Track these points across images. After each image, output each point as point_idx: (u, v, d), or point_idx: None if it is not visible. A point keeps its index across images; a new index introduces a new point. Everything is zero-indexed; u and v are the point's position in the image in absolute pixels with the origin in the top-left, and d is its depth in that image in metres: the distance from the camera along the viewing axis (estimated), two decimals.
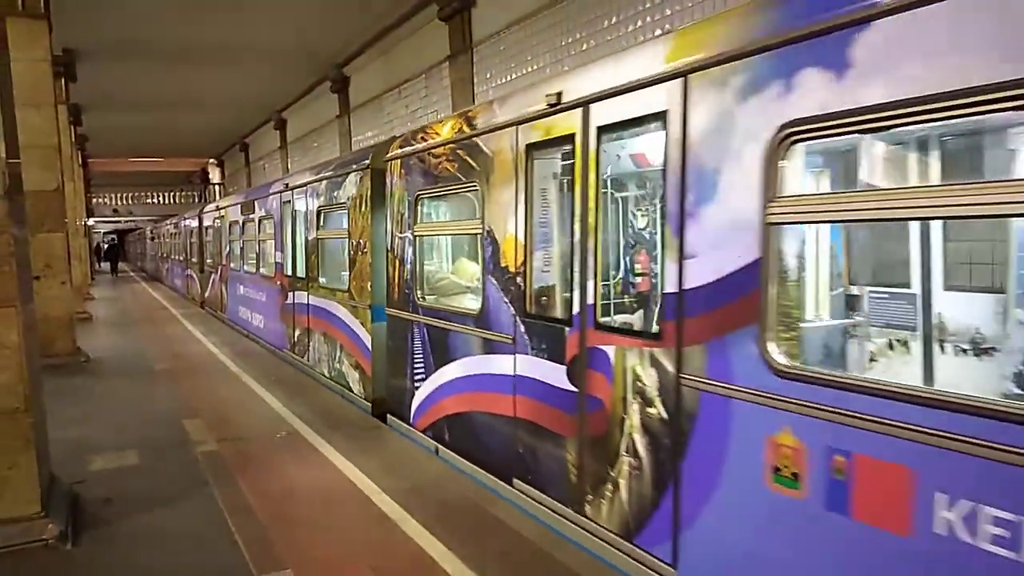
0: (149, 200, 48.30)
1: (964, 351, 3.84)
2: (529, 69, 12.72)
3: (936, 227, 3.98)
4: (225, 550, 4.46)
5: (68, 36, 16.71)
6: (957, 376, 3.80)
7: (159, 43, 18.66)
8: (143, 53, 19.60)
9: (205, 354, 12.34)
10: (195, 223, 22.40)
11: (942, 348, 3.93)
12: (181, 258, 26.42)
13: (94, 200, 44.31)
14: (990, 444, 2.45)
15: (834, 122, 2.97)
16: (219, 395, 9.02)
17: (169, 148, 40.49)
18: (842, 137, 3.16)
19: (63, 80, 18.89)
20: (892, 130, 2.92)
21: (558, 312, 4.95)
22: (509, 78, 13.31)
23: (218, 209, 18.36)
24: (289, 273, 11.50)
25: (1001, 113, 2.51)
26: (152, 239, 40.62)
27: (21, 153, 4.74)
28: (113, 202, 47.50)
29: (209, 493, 5.47)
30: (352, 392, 8.76)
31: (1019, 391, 3.39)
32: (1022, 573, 2.39)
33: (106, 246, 45.62)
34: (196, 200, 45.66)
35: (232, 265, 16.38)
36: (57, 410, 6.89)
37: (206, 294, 20.77)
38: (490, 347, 5.66)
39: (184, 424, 7.52)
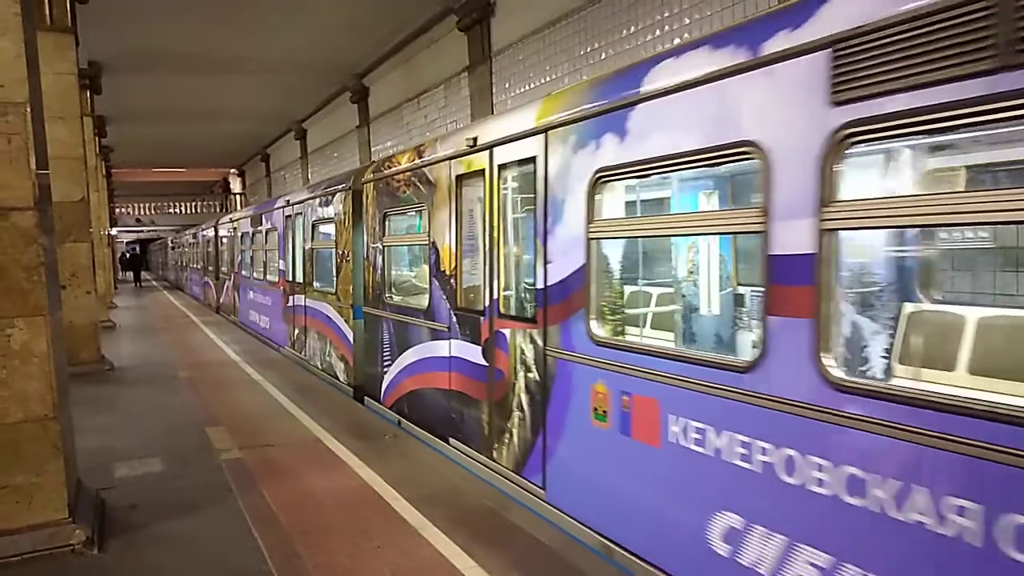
0: (171, 210, 48.83)
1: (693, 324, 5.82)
2: (548, 79, 12.77)
3: (682, 242, 5.77)
4: (248, 556, 4.50)
5: (93, 49, 17.02)
6: (697, 338, 5.77)
7: (181, 55, 18.95)
8: (166, 65, 19.91)
9: (227, 362, 12.45)
10: (211, 233, 23.93)
11: (685, 323, 5.83)
12: (199, 266, 28.10)
13: (117, 210, 44.90)
14: (695, 381, 3.84)
15: (621, 170, 4.45)
16: (241, 403, 9.10)
17: (191, 158, 41.06)
18: (626, 179, 4.63)
19: (88, 92, 19.21)
20: (650, 176, 4.53)
21: (477, 305, 6.28)
22: (528, 87, 13.37)
23: (231, 221, 20.06)
24: (290, 279, 12.93)
25: (702, 168, 4.12)
26: (172, 248, 42.53)
27: (49, 165, 4.83)
28: (136, 212, 48.07)
29: (232, 500, 5.52)
30: (339, 380, 10.21)
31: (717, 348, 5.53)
32: (714, 462, 3.70)
33: (128, 255, 45.98)
34: (217, 210, 46.12)
35: (243, 272, 17.93)
36: (83, 418, 6.98)
37: (221, 300, 22.25)
38: (434, 335, 7.13)
39: (207, 432, 7.59)
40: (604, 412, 4.57)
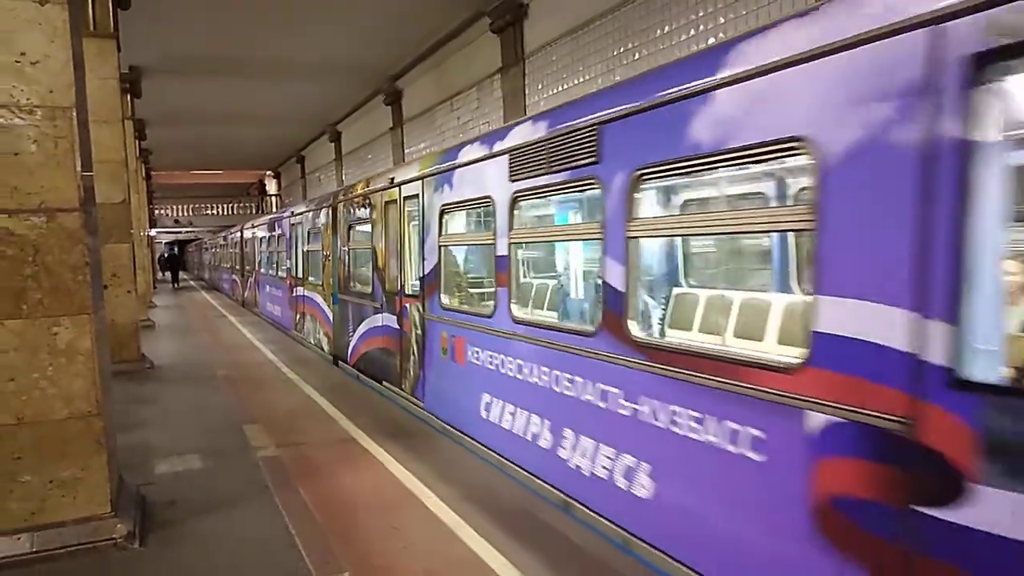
0: (208, 211, 49.62)
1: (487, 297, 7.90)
2: (581, 79, 12.76)
3: (488, 249, 7.17)
4: (286, 553, 4.56)
5: (134, 54, 17.36)
6: (485, 304, 7.61)
7: (219, 59, 19.26)
8: (204, 69, 20.26)
9: (264, 362, 12.62)
10: (238, 237, 26.77)
11: (485, 296, 8.11)
12: (228, 266, 31.23)
13: (156, 211, 45.73)
14: (474, 325, 6.65)
15: (452, 206, 7.28)
16: (278, 402, 9.22)
17: (228, 160, 41.71)
18: (456, 211, 7.44)
19: (129, 96, 19.60)
20: (461, 210, 7.35)
21: (394, 289, 9.11)
22: (562, 88, 13.37)
23: (253, 227, 23.00)
24: (294, 275, 15.88)
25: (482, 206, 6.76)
26: (206, 249, 44.90)
27: (93, 167, 4.95)
28: (174, 213, 48.92)
29: (269, 497, 5.60)
30: (323, 350, 13.13)
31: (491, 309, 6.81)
32: (497, 374, 6.23)
33: (167, 256, 46.73)
34: (254, 211, 46.76)
35: (262, 270, 20.95)
36: (124, 415, 7.13)
37: (245, 295, 25.07)
38: (375, 311, 9.96)
39: (244, 429, 7.71)
40: (445, 348, 7.46)
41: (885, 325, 2.90)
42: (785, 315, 5.32)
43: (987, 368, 2.68)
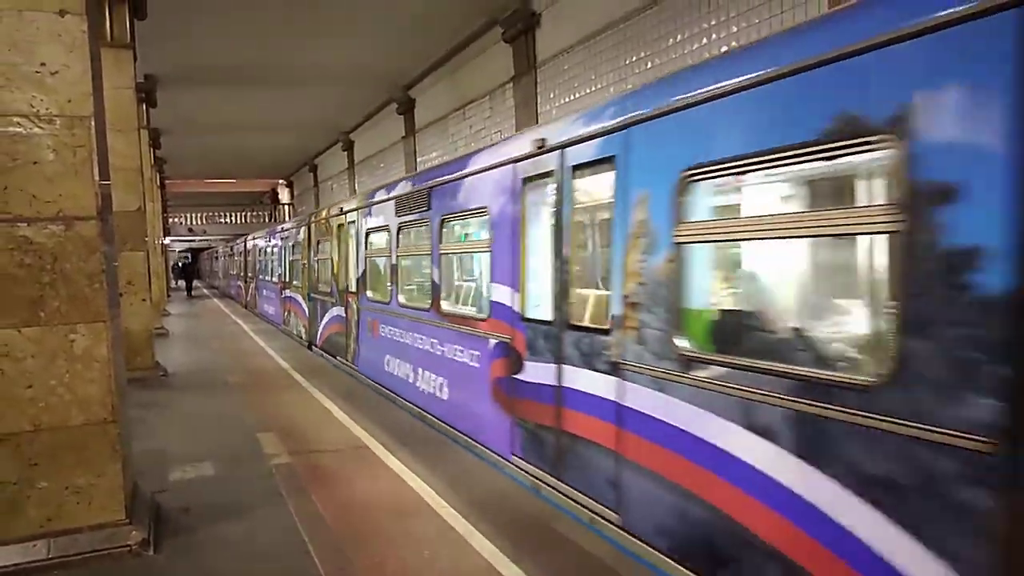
0: (222, 219, 49.89)
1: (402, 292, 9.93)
2: (593, 88, 12.78)
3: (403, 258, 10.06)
4: (299, 560, 4.57)
5: (150, 64, 17.53)
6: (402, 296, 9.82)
7: (234, 68, 19.41)
8: (218, 78, 20.42)
9: (275, 369, 12.67)
10: (242, 247, 30.45)
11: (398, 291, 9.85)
12: (234, 272, 35.09)
13: (170, 220, 46.05)
14: (382, 310, 10.26)
15: (371, 230, 10.78)
16: (290, 409, 9.25)
17: (241, 169, 42.00)
18: (372, 234, 10.85)
19: (144, 106, 19.77)
20: (375, 233, 10.75)
21: (343, 288, 12.46)
22: (573, 97, 13.40)
23: (254, 239, 26.65)
24: (283, 280, 19.52)
25: (387, 232, 10.17)
26: (217, 258, 48.26)
27: (110, 176, 4.99)
28: (188, 222, 49.22)
29: (283, 504, 5.61)
30: (302, 338, 16.54)
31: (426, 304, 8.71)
32: (391, 341, 9.80)
33: (181, 264, 46.95)
34: (266, 220, 46.99)
35: (260, 277, 24.57)
36: (138, 422, 7.17)
37: (247, 298, 28.73)
38: (333, 304, 13.32)
39: (258, 437, 7.73)
40: (371, 329, 10.82)
41: (508, 296, 6.32)
42: (480, 294, 8.17)
43: (530, 312, 6.03)
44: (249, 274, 27.97)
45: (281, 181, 47.97)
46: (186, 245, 59.71)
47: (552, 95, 14.22)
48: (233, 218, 50.20)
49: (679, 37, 10.63)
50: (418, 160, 22.08)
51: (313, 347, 15.01)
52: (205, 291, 46.07)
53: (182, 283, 45.38)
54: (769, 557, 3.53)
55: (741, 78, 3.70)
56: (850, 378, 3.14)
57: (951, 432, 2.71)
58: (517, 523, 5.14)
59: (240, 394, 10.35)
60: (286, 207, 47.64)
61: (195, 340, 17.80)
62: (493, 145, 7.20)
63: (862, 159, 3.42)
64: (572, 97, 13.45)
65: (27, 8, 4.30)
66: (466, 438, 7.28)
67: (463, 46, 17.43)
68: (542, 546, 4.74)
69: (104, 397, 4.64)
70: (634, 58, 11.69)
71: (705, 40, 10.13)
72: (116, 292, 5.00)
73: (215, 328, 21.11)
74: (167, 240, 41.57)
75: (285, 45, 17.40)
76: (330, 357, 13.48)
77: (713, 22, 9.98)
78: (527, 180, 5.99)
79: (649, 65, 11.30)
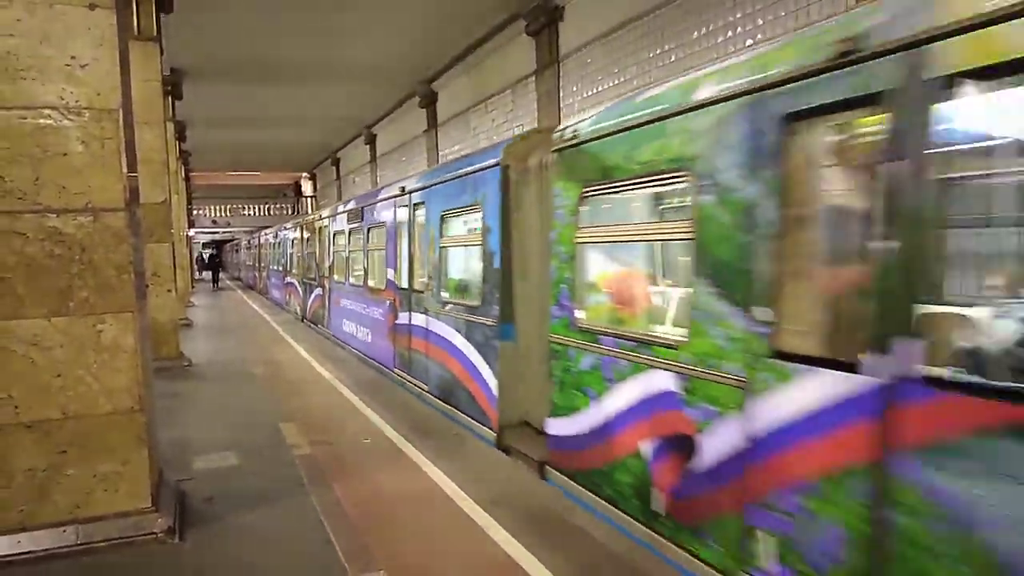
0: (245, 212, 50.23)
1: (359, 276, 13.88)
2: (616, 81, 12.72)
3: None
4: (320, 549, 4.61)
5: (176, 57, 17.69)
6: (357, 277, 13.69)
7: (258, 62, 19.52)
8: (243, 71, 20.55)
9: (298, 360, 12.79)
10: (256, 241, 35.71)
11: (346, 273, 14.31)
12: (250, 263, 40.19)
13: (195, 212, 46.48)
14: (342, 288, 14.37)
15: (336, 232, 15.02)
16: (312, 400, 9.33)
17: (264, 162, 42.25)
18: (336, 234, 15.10)
19: (170, 99, 19.95)
20: (338, 235, 15.14)
21: (323, 273, 16.44)
22: (597, 90, 13.34)
23: (265, 234, 31.83)
24: (286, 269, 23.69)
25: (344, 234, 14.83)
26: (238, 250, 51.85)
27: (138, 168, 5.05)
28: (212, 214, 49.62)
29: (304, 494, 5.67)
30: (297, 314, 20.65)
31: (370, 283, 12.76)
32: (345, 309, 14.12)
33: (206, 256, 47.36)
34: (289, 212, 47.27)
35: (271, 266, 28.97)
36: (163, 411, 7.27)
37: (260, 285, 33.86)
38: (316, 287, 17.51)
39: (280, 427, 7.81)
40: (338, 303, 14.63)
41: (393, 275, 10.47)
42: (383, 274, 11.07)
43: (401, 283, 10.03)
44: (261, 264, 33.44)
45: (304, 174, 48.23)
46: (210, 237, 60.23)
47: (575, 88, 14.18)
48: (257, 210, 50.53)
49: (703, 31, 10.55)
50: (440, 153, 22.11)
51: (304, 320, 19.61)
52: (229, 283, 46.49)
53: (206, 274, 45.75)
54: (461, 386, 7.83)
55: (445, 177, 8.41)
56: (474, 304, 7.41)
57: (488, 322, 7.01)
58: (537, 517, 5.15)
59: (262, 384, 10.45)
60: (309, 200, 47.91)
61: (219, 331, 18.00)
62: (389, 185, 11.53)
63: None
64: (595, 90, 13.40)
65: (59, 2, 4.36)
66: (375, 362, 11.63)
67: (486, 39, 17.41)
68: (559, 538, 4.75)
69: (131, 386, 4.71)
70: (658, 51, 11.62)
71: (730, 33, 10.04)
72: (143, 283, 5.06)
73: (238, 319, 21.33)
74: (191, 232, 41.97)
75: (309, 39, 17.48)
76: (313, 326, 18.16)
77: (739, 15, 9.89)
78: (397, 209, 10.28)
79: (672, 58, 11.22)
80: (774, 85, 3.49)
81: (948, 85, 2.72)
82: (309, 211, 41.02)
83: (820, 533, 3.23)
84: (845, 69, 3.11)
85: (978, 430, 2.60)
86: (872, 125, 3.07)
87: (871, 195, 3.02)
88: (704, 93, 3.99)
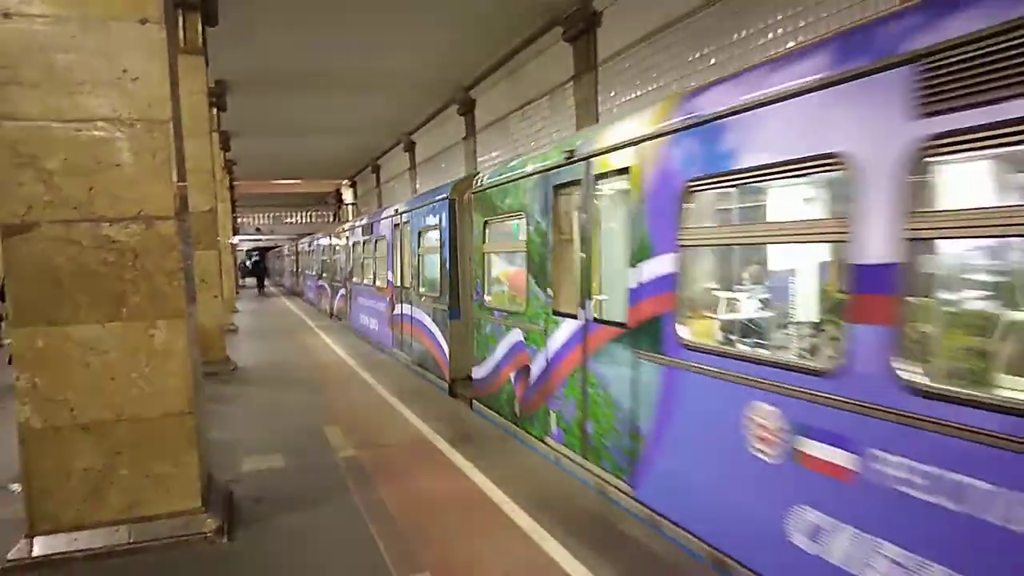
0: (288, 219, 51.09)
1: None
2: (655, 86, 12.67)
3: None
4: (366, 551, 4.68)
5: (220, 69, 18.06)
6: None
7: (299, 73, 19.83)
8: (285, 82, 20.88)
9: (340, 364, 12.96)
10: (288, 250, 43.08)
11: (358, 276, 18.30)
12: (290, 270, 43.99)
13: (239, 219, 47.34)
14: (358, 286, 17.98)
15: (355, 243, 18.54)
16: (355, 404, 9.46)
17: (306, 170, 42.86)
18: (354, 248, 18.88)
19: (215, 110, 20.38)
20: (353, 249, 19.46)
21: (345, 277, 20.45)
22: (635, 95, 13.29)
23: (300, 242, 36.86)
24: (318, 273, 27.83)
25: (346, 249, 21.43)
26: (279, 257, 55.21)
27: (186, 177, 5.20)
28: (256, 221, 50.53)
29: (350, 496, 5.75)
30: (325, 311, 24.97)
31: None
32: (361, 304, 17.32)
33: (251, 263, 48.30)
34: (330, 219, 47.90)
35: (306, 271, 33.39)
36: (211, 414, 7.43)
37: (297, 288, 38.22)
38: (341, 287, 21.72)
39: (324, 430, 7.93)
40: (356, 300, 17.92)
41: (392, 276, 13.53)
42: (385, 275, 13.94)
43: (396, 282, 13.23)
44: (299, 270, 38.33)
45: (345, 181, 48.82)
46: (253, 244, 61.31)
47: (612, 93, 14.15)
48: (299, 218, 51.32)
49: (744, 33, 10.45)
50: (478, 160, 22.23)
51: (332, 316, 23.46)
52: (272, 289, 47.25)
53: (250, 280, 46.54)
54: (429, 354, 10.99)
55: (421, 203, 11.70)
56: (436, 295, 10.61)
57: (443, 307, 10.23)
58: (580, 521, 5.16)
59: (306, 388, 10.61)
60: (350, 207, 48.50)
61: (262, 335, 18.32)
62: (384, 208, 15.24)
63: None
64: (634, 95, 13.36)
65: (112, 18, 4.52)
66: (381, 347, 14.52)
67: (523, 46, 17.46)
68: (606, 544, 4.75)
69: (182, 389, 4.84)
70: (697, 55, 11.54)
71: (771, 35, 9.94)
72: (193, 289, 5.20)
73: (281, 323, 21.68)
74: (236, 239, 42.78)
75: (349, 49, 17.71)
76: (337, 320, 22.11)
77: (779, 16, 9.78)
78: (394, 226, 13.19)
79: (713, 61, 11.14)
80: (549, 169, 6.58)
81: (598, 178, 5.76)
82: (349, 218, 41.77)
83: (568, 405, 6.27)
84: (569, 165, 6.17)
85: (608, 341, 5.53)
86: (579, 193, 6.10)
87: (579, 230, 6.11)
88: (529, 169, 7.07)
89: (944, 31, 2.90)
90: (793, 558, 3.59)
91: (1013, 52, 2.64)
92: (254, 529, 5.14)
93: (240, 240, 50.08)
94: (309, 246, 31.64)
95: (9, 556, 4.51)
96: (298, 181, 47.96)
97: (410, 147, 30.56)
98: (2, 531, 4.92)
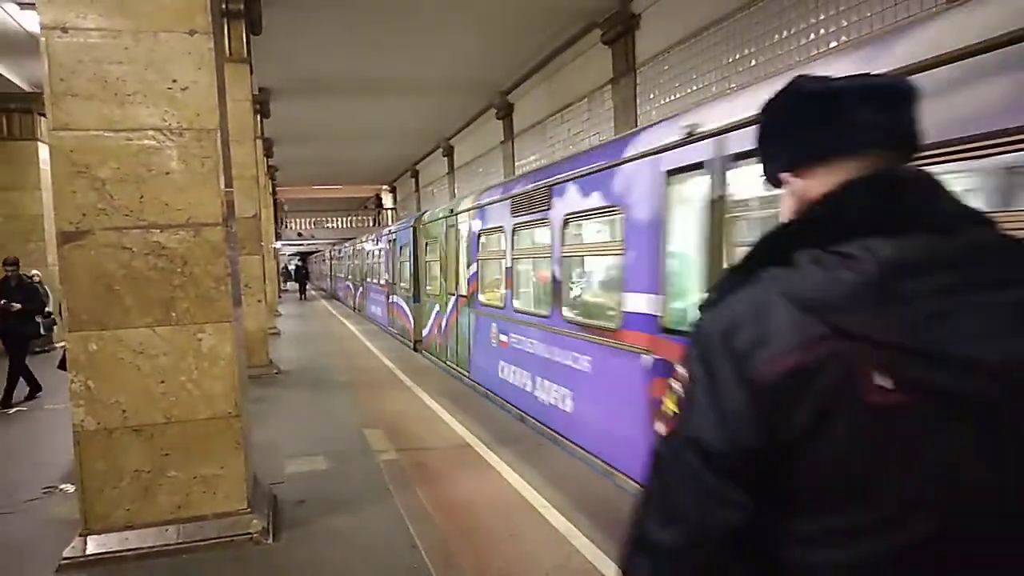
0: (329, 224, 51.63)
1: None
2: (694, 87, 12.57)
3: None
4: (407, 554, 4.72)
5: (264, 76, 18.39)
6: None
7: (340, 79, 20.10)
8: (326, 89, 21.17)
9: (381, 368, 13.08)
10: (328, 256, 48.53)
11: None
12: (327, 274, 50.01)
13: (281, 225, 48.03)
14: (371, 286, 25.16)
15: (368, 252, 25.47)
16: (395, 407, 9.54)
17: (347, 176, 43.35)
18: (359, 257, 28.23)
19: (259, 117, 20.74)
20: (360, 257, 28.83)
21: (361, 280, 27.86)
22: (674, 97, 13.21)
23: (333, 249, 44.32)
24: (346, 276, 34.18)
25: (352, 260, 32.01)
26: (314, 263, 60.93)
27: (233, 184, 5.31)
28: (298, 226, 51.18)
29: (391, 499, 5.80)
30: (349, 306, 32.12)
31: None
32: (372, 300, 24.56)
33: (293, 268, 49.32)
34: (371, 224, 48.35)
35: (339, 275, 39.76)
36: (255, 416, 7.55)
37: (331, 289, 44.62)
38: (360, 288, 28.43)
39: (365, 433, 8.01)
40: (368, 295, 25.13)
41: (388, 276, 20.22)
42: (385, 276, 21.01)
43: (390, 280, 19.78)
44: (331, 273, 45.78)
45: (385, 187, 49.28)
46: (296, 249, 62.23)
47: (652, 96, 14.07)
48: (339, 223, 51.84)
49: (785, 33, 10.33)
50: (516, 164, 22.27)
51: (354, 310, 28.94)
52: (313, 293, 47.92)
53: (291, 285, 47.30)
54: (403, 327, 17.15)
55: (401, 226, 18.13)
56: (407, 287, 16.42)
57: (411, 296, 15.94)
58: (619, 525, 5.13)
59: (347, 391, 10.74)
60: (389, 212, 48.92)
61: (305, 340, 18.59)
62: (384, 227, 24.87)
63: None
64: (673, 97, 13.27)
65: (161, 29, 4.63)
66: (381, 326, 20.05)
67: (561, 50, 17.46)
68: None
69: (228, 393, 4.94)
70: (737, 56, 11.42)
71: (813, 36, 9.80)
72: (239, 293, 5.31)
73: (321, 327, 21.98)
74: (278, 244, 43.43)
75: (389, 56, 17.90)
76: (355, 312, 28.18)
77: (822, 16, 9.64)
78: (389, 241, 18.84)
79: (753, 63, 11.02)
80: (444, 217, 13.03)
81: (455, 225, 12.26)
82: (390, 222, 42.46)
83: (451, 339, 12.55)
84: (449, 216, 12.64)
85: (462, 305, 11.62)
86: (452, 231, 12.43)
87: (454, 250, 12.27)
88: (439, 214, 13.54)
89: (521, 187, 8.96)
90: (500, 383, 9.50)
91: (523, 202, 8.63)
92: (298, 531, 5.20)
93: (283, 244, 50.83)
94: (339, 253, 40.06)
95: (64, 554, 4.64)
96: (339, 187, 48.55)
97: (449, 152, 30.75)
98: (57, 530, 5.08)
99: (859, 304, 1.06)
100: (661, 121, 5.77)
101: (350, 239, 36.53)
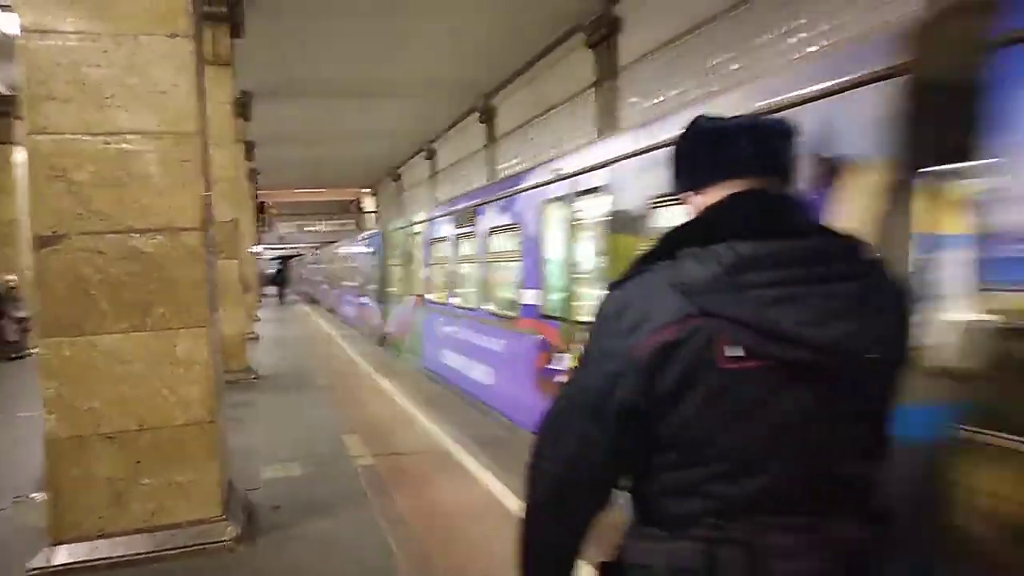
0: (310, 228, 51.45)
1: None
2: (676, 91, 12.64)
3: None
4: (384, 560, 4.69)
5: (245, 80, 18.27)
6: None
7: (322, 82, 20.01)
8: (308, 91, 21.07)
9: (359, 372, 13.02)
10: (307, 259, 48.63)
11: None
12: (306, 277, 48.75)
13: (262, 228, 47.71)
14: (335, 288, 30.25)
15: (333, 259, 32.40)
16: (374, 412, 9.49)
17: (328, 179, 43.17)
18: (332, 263, 34.03)
19: (240, 119, 20.58)
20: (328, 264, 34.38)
21: (331, 282, 31.37)
22: (656, 100, 13.26)
23: (310, 255, 46.03)
24: (322, 279, 35.61)
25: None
26: (295, 267, 59.26)
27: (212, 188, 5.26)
28: (279, 230, 50.93)
29: (368, 504, 5.77)
30: (327, 308, 32.20)
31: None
32: (340, 298, 28.58)
33: (273, 272, 48.69)
34: (354, 228, 48.18)
35: (316, 279, 40.08)
36: (232, 422, 7.49)
37: (311, 293, 43.24)
38: (331, 289, 31.96)
39: (343, 439, 7.97)
40: (342, 297, 26.87)
41: (360, 280, 22.40)
42: (358, 280, 23.17)
43: (363, 284, 21.55)
44: (310, 277, 46.13)
45: (366, 190, 49.15)
46: (278, 252, 61.80)
47: (634, 99, 14.13)
48: (322, 226, 51.65)
49: (766, 37, 10.41)
50: (498, 167, 22.27)
51: (330, 311, 29.91)
52: (293, 296, 47.62)
53: (271, 289, 46.91)
54: (371, 323, 19.18)
55: (371, 235, 21.03)
56: (375, 289, 18.85)
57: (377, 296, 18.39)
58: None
59: (326, 396, 10.68)
60: (371, 216, 48.77)
61: (283, 344, 18.47)
62: (359, 234, 24.94)
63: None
64: (655, 101, 13.33)
65: (142, 32, 4.58)
66: (353, 326, 21.77)
67: (545, 53, 17.51)
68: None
69: (204, 398, 4.88)
70: (718, 60, 11.51)
71: (794, 39, 9.89)
72: (216, 298, 5.25)
73: (301, 331, 21.85)
74: (259, 248, 43.15)
75: (371, 59, 17.85)
76: (332, 314, 28.96)
77: (803, 20, 9.74)
78: (364, 249, 20.72)
79: (734, 66, 11.10)
80: (403, 228, 15.82)
81: (415, 234, 14.58)
82: (373, 226, 42.36)
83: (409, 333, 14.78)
84: (405, 228, 15.57)
85: (420, 304, 13.72)
86: (410, 240, 15.02)
87: (412, 256, 14.81)
88: (412, 221, 15.05)
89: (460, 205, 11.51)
90: (446, 367, 11.76)
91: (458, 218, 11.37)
92: (273, 537, 5.13)
93: (264, 248, 50.52)
94: (315, 259, 42.31)
95: (31, 565, 4.54)
96: (321, 190, 48.34)
97: (431, 155, 30.70)
98: (25, 540, 4.99)
99: (717, 289, 1.34)
100: (541, 164, 8.13)
101: (331, 243, 36.66)
